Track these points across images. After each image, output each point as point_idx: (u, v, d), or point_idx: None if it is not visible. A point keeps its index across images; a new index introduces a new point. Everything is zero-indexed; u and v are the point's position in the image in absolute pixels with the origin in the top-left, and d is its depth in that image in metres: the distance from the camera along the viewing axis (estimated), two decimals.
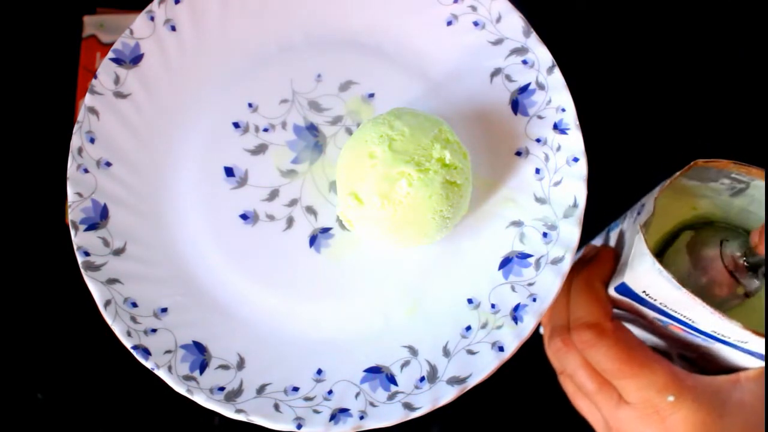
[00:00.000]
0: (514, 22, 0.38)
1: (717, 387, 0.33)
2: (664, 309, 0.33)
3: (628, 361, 0.34)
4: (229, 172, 0.38)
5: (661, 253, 0.37)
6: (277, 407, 0.33)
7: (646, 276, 0.32)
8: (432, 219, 0.33)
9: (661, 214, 0.37)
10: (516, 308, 0.34)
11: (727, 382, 0.34)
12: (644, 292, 0.33)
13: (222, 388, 0.33)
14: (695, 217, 0.37)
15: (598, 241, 0.42)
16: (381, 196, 0.33)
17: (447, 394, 0.33)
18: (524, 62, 0.37)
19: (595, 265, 0.37)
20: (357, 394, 0.33)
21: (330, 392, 0.34)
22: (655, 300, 0.33)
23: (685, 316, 0.33)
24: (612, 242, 0.40)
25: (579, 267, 0.38)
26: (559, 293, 0.34)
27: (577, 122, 0.36)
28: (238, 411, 0.32)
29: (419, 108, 0.37)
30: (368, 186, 0.33)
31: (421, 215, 0.33)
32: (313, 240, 0.37)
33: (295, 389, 0.34)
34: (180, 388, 0.33)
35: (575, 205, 0.35)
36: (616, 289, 0.36)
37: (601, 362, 0.34)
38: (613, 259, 0.37)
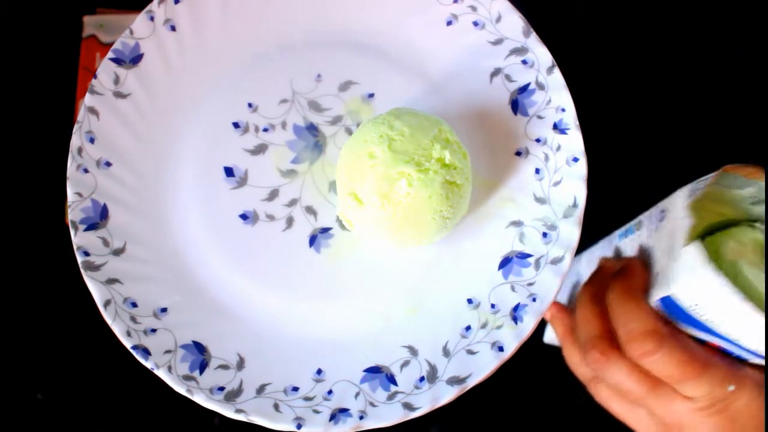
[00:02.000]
0: (514, 22, 0.38)
1: None
2: (709, 326, 0.32)
3: (691, 363, 0.33)
4: (229, 172, 0.38)
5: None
6: (276, 407, 0.33)
7: (700, 289, 0.31)
8: (432, 219, 0.33)
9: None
10: (516, 308, 0.34)
11: None
12: (695, 305, 0.32)
13: (222, 388, 0.33)
14: (720, 222, 0.36)
15: (604, 251, 0.42)
16: (381, 197, 0.33)
17: (447, 394, 0.33)
18: (524, 62, 0.37)
19: (629, 276, 0.36)
20: (357, 394, 0.33)
21: (330, 392, 0.34)
22: (702, 315, 0.32)
23: (729, 333, 0.32)
24: (629, 252, 0.39)
25: (603, 281, 0.37)
26: (582, 306, 0.33)
27: (577, 122, 0.36)
28: (238, 411, 0.32)
29: (419, 108, 0.37)
30: (368, 186, 0.33)
31: (421, 215, 0.33)
32: (313, 240, 0.37)
33: (295, 389, 0.34)
34: (180, 388, 0.33)
35: (575, 205, 0.35)
36: (662, 301, 0.35)
37: (665, 369, 0.33)
38: (645, 270, 0.36)
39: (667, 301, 0.34)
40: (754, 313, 0.30)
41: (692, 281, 0.32)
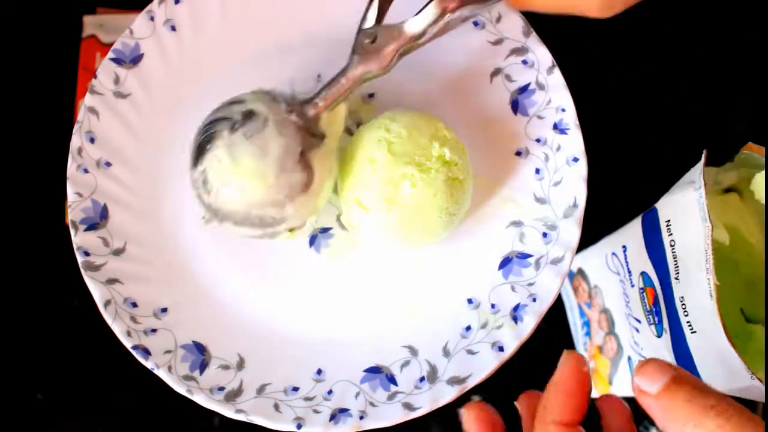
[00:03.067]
0: (514, 22, 0.38)
1: None
2: (668, 247, 0.33)
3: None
4: None
5: None
6: (277, 407, 0.33)
7: (684, 202, 0.32)
8: (438, 217, 0.33)
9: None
10: (516, 308, 0.34)
11: None
12: (668, 221, 0.33)
13: (222, 388, 0.33)
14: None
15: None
16: (386, 201, 0.33)
17: (447, 394, 0.33)
18: (524, 62, 0.37)
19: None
20: (357, 394, 0.33)
21: (330, 392, 0.33)
22: (670, 234, 0.34)
23: (681, 257, 0.33)
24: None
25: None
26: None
27: (577, 122, 0.36)
28: (238, 411, 0.32)
29: (419, 108, 0.37)
30: (372, 192, 0.33)
31: (428, 215, 0.33)
32: (313, 240, 0.37)
33: (295, 389, 0.34)
34: (180, 388, 0.33)
35: (575, 205, 0.35)
36: (643, 216, 0.36)
37: None
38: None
39: (648, 216, 0.35)
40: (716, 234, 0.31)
41: (680, 194, 0.33)
